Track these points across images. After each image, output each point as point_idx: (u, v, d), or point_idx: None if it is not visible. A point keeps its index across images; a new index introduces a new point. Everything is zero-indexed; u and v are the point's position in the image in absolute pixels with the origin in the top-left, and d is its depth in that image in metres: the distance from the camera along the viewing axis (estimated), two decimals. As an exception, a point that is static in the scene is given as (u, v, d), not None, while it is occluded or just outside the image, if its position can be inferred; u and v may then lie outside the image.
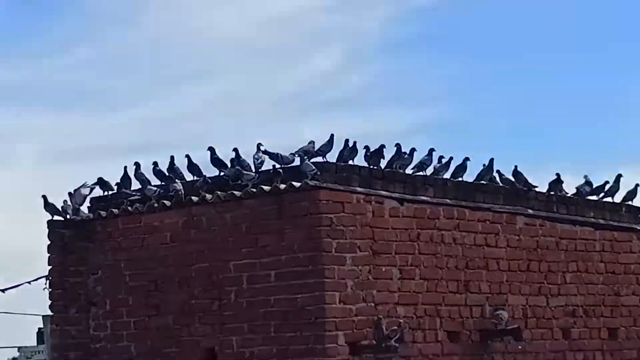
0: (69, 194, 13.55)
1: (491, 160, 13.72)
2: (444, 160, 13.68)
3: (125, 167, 13.43)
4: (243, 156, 12.90)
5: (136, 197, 13.30)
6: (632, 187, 15.22)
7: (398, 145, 13.09)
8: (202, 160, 13.18)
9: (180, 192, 12.80)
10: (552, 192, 14.38)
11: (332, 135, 12.76)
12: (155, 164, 13.26)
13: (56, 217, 13.70)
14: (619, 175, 14.90)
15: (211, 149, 13.02)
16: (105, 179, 13.72)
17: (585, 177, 14.83)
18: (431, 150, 13.46)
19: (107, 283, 13.51)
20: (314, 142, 12.85)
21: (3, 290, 18.47)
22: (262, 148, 13.07)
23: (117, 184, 13.68)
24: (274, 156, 13.14)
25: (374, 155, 12.81)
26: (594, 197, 14.90)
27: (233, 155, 12.87)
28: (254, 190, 12.24)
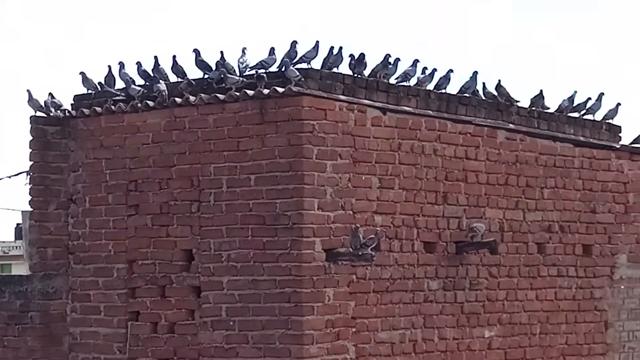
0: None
1: (475, 73, 13.81)
2: (427, 72, 13.71)
3: (110, 66, 13.37)
4: (228, 59, 12.82)
5: (120, 97, 13.34)
6: (613, 105, 15.39)
7: (387, 55, 13.08)
8: (187, 61, 13.08)
9: (163, 93, 12.81)
10: (533, 108, 14.46)
11: (317, 42, 12.70)
12: (139, 63, 13.33)
13: (39, 113, 13.66)
14: (602, 94, 15.07)
15: (196, 51, 13.02)
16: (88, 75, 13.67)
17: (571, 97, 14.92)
18: (415, 62, 13.46)
19: (87, 181, 13.58)
20: (296, 42, 12.77)
21: None
22: (246, 52, 12.94)
23: (99, 83, 13.72)
24: (257, 65, 13.06)
25: (358, 63, 12.82)
26: (575, 114, 15.08)
27: (218, 57, 12.83)
28: (237, 94, 12.33)
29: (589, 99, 15.08)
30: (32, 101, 13.55)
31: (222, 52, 12.67)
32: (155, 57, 13.06)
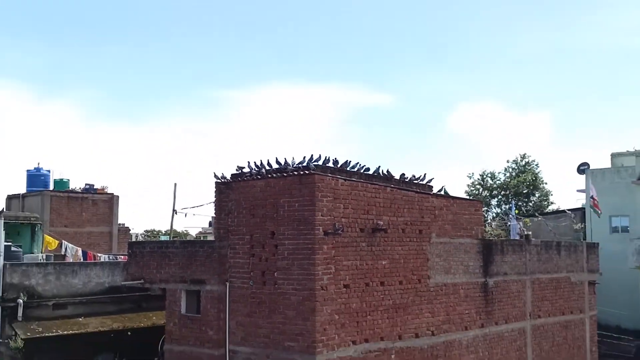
0: None
1: (379, 166, 21.91)
2: (359, 165, 20.70)
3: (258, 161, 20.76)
4: (289, 160, 21.45)
5: (247, 175, 21.06)
6: (430, 178, 24.16)
7: (346, 160, 20.66)
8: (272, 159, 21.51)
9: (263, 172, 21.10)
10: (401, 179, 23.01)
11: (320, 155, 20.86)
12: (268, 160, 20.75)
13: (217, 180, 22.05)
14: (425, 174, 23.28)
15: (276, 157, 21.45)
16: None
17: (412, 175, 22.86)
18: (357, 164, 21.54)
19: (235, 206, 21.23)
20: (313, 155, 20.09)
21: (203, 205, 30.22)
22: (294, 157, 21.26)
23: (251, 165, 20.05)
24: (299, 162, 20.30)
25: (334, 163, 21.02)
26: (416, 181, 23.52)
27: (284, 159, 21.47)
28: (292, 173, 20.59)
29: (421, 176, 23.63)
30: (215, 175, 22.30)
31: (285, 158, 22.24)
32: (268, 158, 21.49)
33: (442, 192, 26.49)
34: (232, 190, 23.64)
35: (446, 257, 26.84)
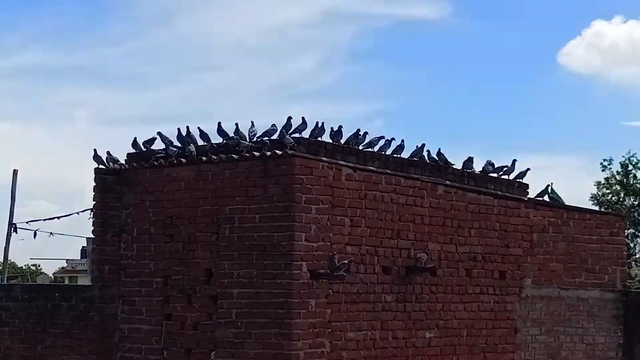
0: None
1: (422, 145, 14.71)
2: (382, 141, 14.20)
3: (159, 133, 14.18)
4: (241, 129, 13.74)
5: (161, 155, 14.11)
6: (523, 169, 16.13)
7: (357, 130, 13.94)
8: (211, 130, 14.07)
9: (193, 153, 13.64)
10: (464, 169, 15.40)
11: (303, 118, 13.58)
12: (179, 129, 13.99)
13: (101, 166, 14.48)
14: (514, 160, 15.81)
15: (219, 123, 13.85)
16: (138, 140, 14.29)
17: (488, 161, 15.60)
18: (381, 138, 14.21)
19: (135, 217, 14.20)
20: (290, 118, 13.37)
21: (59, 217, 20.17)
22: (254, 124, 13.71)
23: (145, 142, 14.27)
24: (262, 134, 13.51)
25: (336, 134, 13.75)
26: (495, 175, 15.82)
27: (234, 128, 13.75)
28: (247, 154, 13.16)
29: (506, 166, 15.80)
30: (96, 157, 14.50)
31: (236, 124, 13.82)
32: (187, 127, 14.00)
33: (547, 197, 16.72)
34: (129, 186, 14.55)
35: (553, 326, 15.81)
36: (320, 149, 13.48)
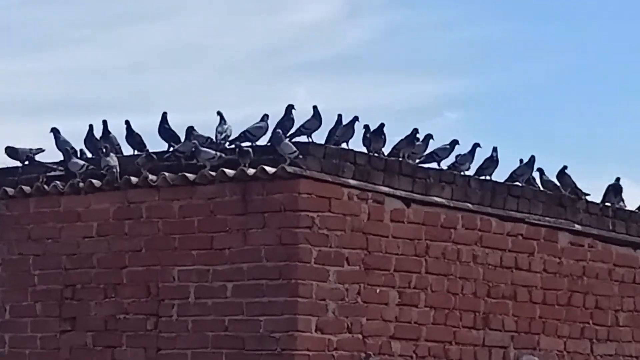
0: None
1: (532, 158, 14.03)
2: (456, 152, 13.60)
3: (54, 129, 13.57)
4: (201, 127, 13.17)
5: (56, 173, 13.48)
6: None
7: (414, 130, 13.20)
8: (148, 128, 13.55)
9: (114, 170, 12.95)
10: (608, 203, 14.72)
11: (315, 108, 13.09)
12: (90, 126, 13.44)
13: None
14: None
15: (163, 115, 13.29)
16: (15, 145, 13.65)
17: None
18: (454, 143, 13.64)
19: (8, 284, 13.69)
20: (292, 107, 13.01)
21: None
22: (226, 118, 13.21)
23: (28, 153, 13.62)
24: (240, 137, 12.99)
25: (374, 138, 13.15)
26: None
27: (190, 124, 13.17)
28: (213, 173, 12.47)
29: None
30: None
31: (191, 127, 13.09)
32: (104, 122, 13.31)
33: None
34: (-4, 229, 14.52)
35: None
36: (346, 163, 12.95)
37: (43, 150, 14.34)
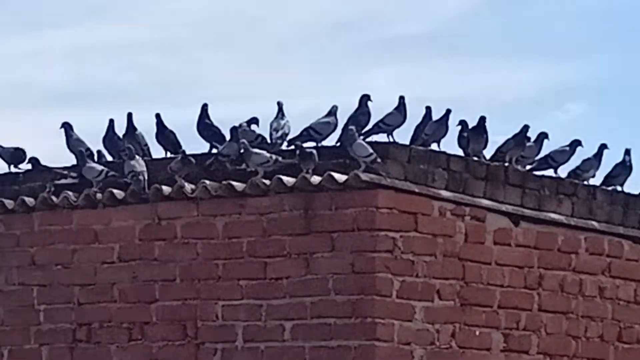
0: None
1: None
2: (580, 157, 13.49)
3: (67, 124, 13.62)
4: (254, 123, 13.18)
5: (67, 181, 13.40)
6: None
7: (525, 128, 13.09)
8: (184, 124, 13.60)
9: (141, 177, 12.85)
10: None
11: (402, 99, 12.88)
12: (111, 122, 13.45)
13: None
14: None
15: (204, 107, 13.24)
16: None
17: None
18: (576, 144, 13.45)
19: (7, 322, 13.54)
20: (368, 97, 12.92)
21: None
22: (285, 111, 13.02)
23: (32, 158, 13.81)
24: (302, 135, 12.93)
25: (474, 137, 12.97)
26: None
27: (234, 120, 13.08)
28: (267, 182, 12.30)
29: None
30: None
31: (241, 124, 13.08)
32: (129, 116, 13.47)
33: None
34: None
35: None
36: (438, 170, 12.83)
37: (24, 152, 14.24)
